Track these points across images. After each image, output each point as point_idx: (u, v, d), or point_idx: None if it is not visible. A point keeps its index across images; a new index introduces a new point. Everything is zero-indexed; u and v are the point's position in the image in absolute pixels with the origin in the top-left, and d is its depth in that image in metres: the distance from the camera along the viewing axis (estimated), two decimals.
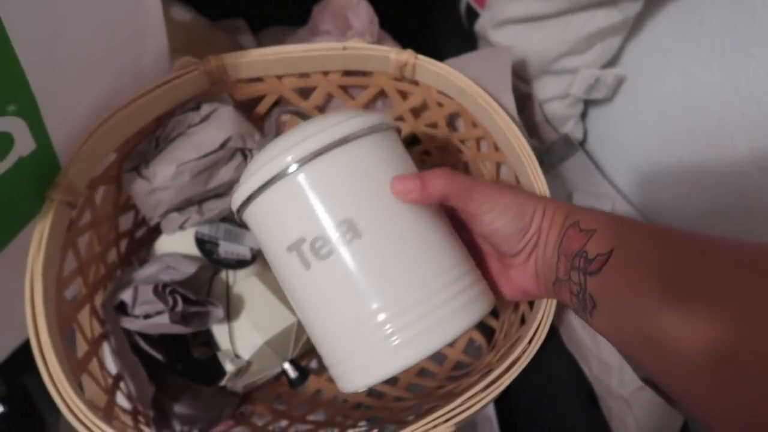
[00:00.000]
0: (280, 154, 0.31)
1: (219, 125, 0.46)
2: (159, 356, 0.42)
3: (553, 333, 0.53)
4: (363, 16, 0.57)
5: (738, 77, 0.48)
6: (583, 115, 0.66)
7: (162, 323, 0.41)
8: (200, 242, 0.49)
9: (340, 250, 0.31)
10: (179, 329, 0.41)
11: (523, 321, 0.45)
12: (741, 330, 0.23)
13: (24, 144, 0.36)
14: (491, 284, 0.39)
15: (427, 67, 0.47)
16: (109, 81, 0.43)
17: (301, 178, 0.31)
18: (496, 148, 0.48)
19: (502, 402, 0.56)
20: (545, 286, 0.36)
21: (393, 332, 0.31)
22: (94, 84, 0.42)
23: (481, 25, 0.64)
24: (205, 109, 0.47)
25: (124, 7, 0.41)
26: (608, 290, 0.30)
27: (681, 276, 0.26)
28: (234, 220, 0.51)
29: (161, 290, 0.42)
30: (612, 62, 0.61)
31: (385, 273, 0.31)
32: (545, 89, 0.62)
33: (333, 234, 0.31)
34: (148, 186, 0.45)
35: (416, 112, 0.53)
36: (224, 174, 0.48)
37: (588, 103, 0.66)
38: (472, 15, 0.68)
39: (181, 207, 0.48)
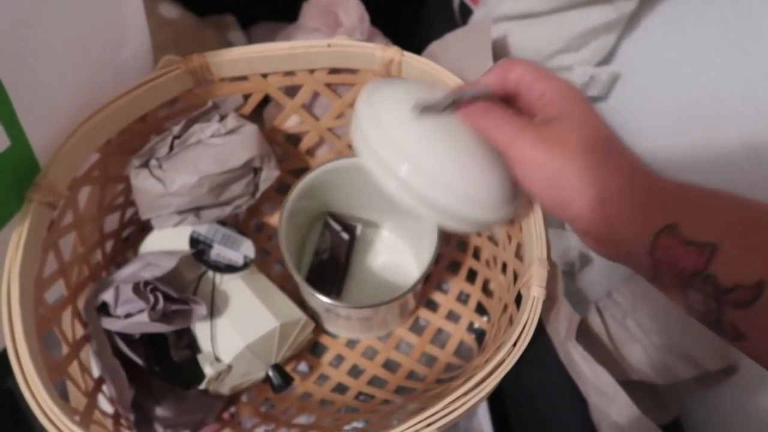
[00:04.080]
0: None
1: (245, 143, 0.46)
2: (137, 359, 0.42)
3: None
4: (353, 13, 0.56)
5: (733, 75, 0.47)
6: None
7: (142, 322, 0.40)
8: (194, 241, 0.48)
9: None
10: (160, 327, 0.41)
11: (511, 322, 0.44)
12: None
13: None
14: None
15: (413, 63, 0.46)
16: (88, 74, 0.42)
17: None
18: None
19: (498, 415, 0.55)
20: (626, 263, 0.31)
21: None
22: (72, 77, 0.41)
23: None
24: (231, 122, 0.46)
25: None
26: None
27: None
28: (233, 225, 0.51)
29: (142, 288, 0.41)
30: (607, 60, 0.61)
31: None
32: None
33: None
34: (161, 189, 0.44)
35: None
36: (235, 189, 0.48)
37: None
38: (466, 11, 0.67)
39: (182, 211, 0.48)
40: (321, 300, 0.46)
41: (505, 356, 0.37)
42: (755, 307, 0.24)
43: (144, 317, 0.40)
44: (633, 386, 0.49)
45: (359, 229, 0.58)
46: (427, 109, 0.32)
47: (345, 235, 0.57)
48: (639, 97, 0.59)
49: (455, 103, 0.33)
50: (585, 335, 0.52)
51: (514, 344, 0.37)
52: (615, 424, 0.44)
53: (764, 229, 0.25)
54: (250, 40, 0.70)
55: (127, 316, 0.41)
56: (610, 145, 0.30)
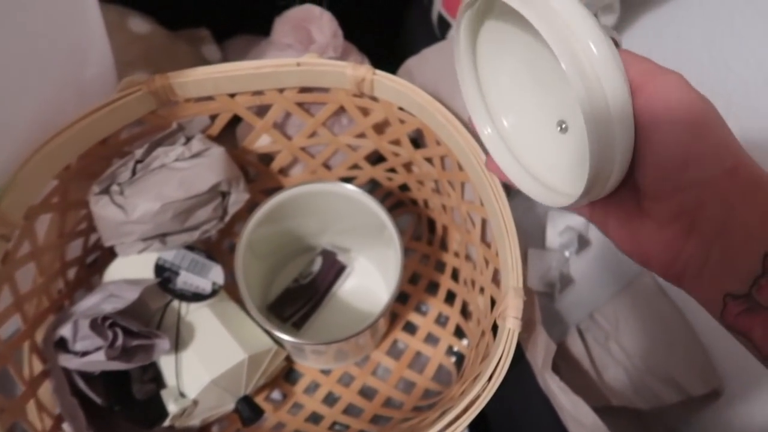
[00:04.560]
0: None
1: (211, 167, 0.44)
2: (96, 397, 0.40)
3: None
4: (326, 29, 0.54)
5: (716, 91, 0.46)
6: None
7: (99, 360, 0.38)
8: (159, 269, 0.46)
9: None
10: (118, 366, 0.39)
11: (488, 352, 0.43)
12: None
13: None
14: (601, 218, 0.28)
15: (385, 82, 0.45)
16: (47, 96, 0.40)
17: None
18: (460, 167, 0.45)
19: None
20: (696, 282, 0.24)
21: None
22: (31, 99, 0.39)
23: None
24: (197, 145, 0.45)
25: (59, 14, 0.38)
26: None
27: None
28: (203, 249, 0.49)
29: (100, 323, 0.39)
30: None
31: None
32: None
33: None
34: (123, 217, 0.42)
35: (379, 128, 0.51)
36: (201, 214, 0.46)
37: None
38: (445, 25, 0.66)
39: (146, 238, 0.46)
40: (285, 339, 0.44)
41: (481, 391, 0.36)
42: None
43: (101, 356, 0.38)
44: (616, 412, 0.48)
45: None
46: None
47: (341, 259, 0.57)
48: None
49: None
50: (566, 360, 0.51)
51: (489, 378, 0.36)
52: None
53: None
54: (226, 54, 0.68)
55: (84, 354, 0.39)
56: None
